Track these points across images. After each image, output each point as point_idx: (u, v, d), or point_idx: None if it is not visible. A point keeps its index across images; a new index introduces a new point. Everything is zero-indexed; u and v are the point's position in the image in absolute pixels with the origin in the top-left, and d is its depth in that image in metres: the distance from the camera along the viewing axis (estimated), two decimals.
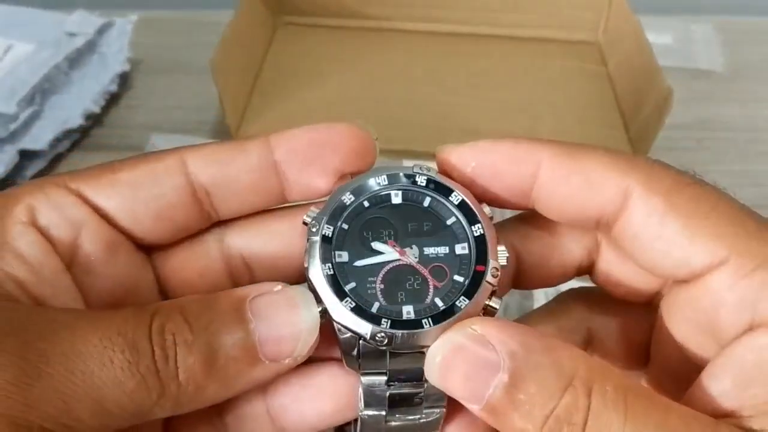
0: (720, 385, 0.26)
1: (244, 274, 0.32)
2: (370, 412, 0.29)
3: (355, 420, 0.30)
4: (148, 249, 0.31)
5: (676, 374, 0.29)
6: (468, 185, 0.30)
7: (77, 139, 0.66)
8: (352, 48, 0.77)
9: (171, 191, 0.29)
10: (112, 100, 0.70)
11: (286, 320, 0.26)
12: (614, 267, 0.32)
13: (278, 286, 0.27)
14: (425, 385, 0.28)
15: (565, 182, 0.28)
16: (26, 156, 0.62)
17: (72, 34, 0.71)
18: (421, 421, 0.29)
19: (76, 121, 0.65)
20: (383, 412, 0.29)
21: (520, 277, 0.32)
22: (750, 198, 0.28)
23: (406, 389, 0.28)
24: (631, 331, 0.33)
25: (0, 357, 0.22)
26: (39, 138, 0.63)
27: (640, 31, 0.68)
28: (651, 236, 0.27)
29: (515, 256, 0.32)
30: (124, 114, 0.70)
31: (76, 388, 0.23)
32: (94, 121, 0.68)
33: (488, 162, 0.29)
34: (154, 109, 0.71)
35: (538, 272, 0.32)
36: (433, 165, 0.31)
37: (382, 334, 0.27)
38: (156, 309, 0.25)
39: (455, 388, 0.26)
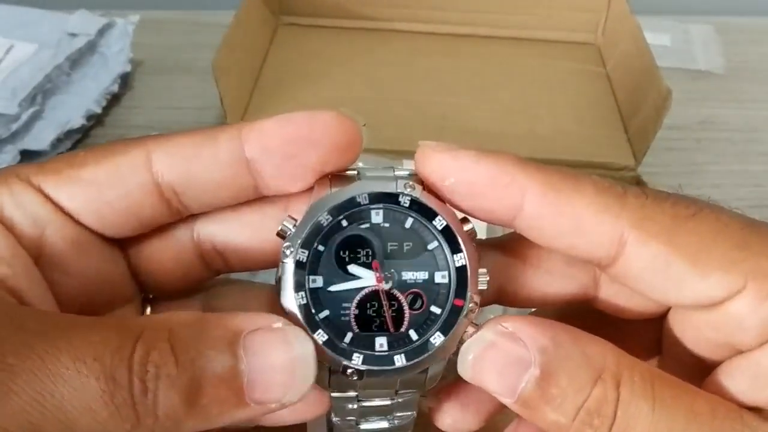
0: (737, 383, 0.26)
1: (216, 260, 0.31)
2: (341, 418, 0.29)
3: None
4: (119, 240, 0.30)
5: (688, 368, 0.29)
6: (442, 195, 0.28)
7: (78, 139, 0.67)
8: (353, 48, 0.77)
9: (136, 191, 0.28)
10: (114, 101, 0.70)
11: (279, 365, 0.24)
12: (619, 298, 0.31)
13: (277, 323, 0.25)
14: (395, 398, 0.28)
15: (552, 223, 0.27)
16: (28, 156, 0.62)
17: (73, 35, 0.71)
18: (393, 423, 0.30)
19: (78, 121, 0.65)
20: (354, 417, 0.29)
21: (502, 300, 0.31)
22: (748, 198, 0.28)
23: (377, 401, 0.28)
24: (640, 329, 0.32)
25: None
26: (40, 138, 0.63)
27: (639, 32, 0.68)
28: (659, 278, 0.26)
29: (498, 287, 0.30)
30: (125, 114, 0.71)
31: (44, 410, 0.22)
32: (95, 121, 0.68)
33: (468, 182, 0.27)
34: (155, 109, 0.71)
35: (524, 302, 0.31)
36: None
37: (353, 370, 0.26)
38: (141, 331, 0.23)
39: (488, 384, 0.26)
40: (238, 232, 0.30)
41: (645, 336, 0.32)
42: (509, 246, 0.31)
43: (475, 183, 0.27)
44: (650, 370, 0.26)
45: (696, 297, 0.26)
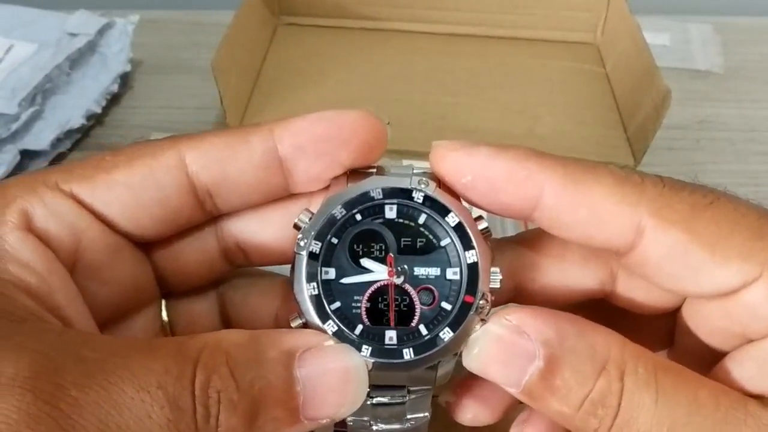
0: (745, 370, 0.27)
1: (238, 256, 0.31)
2: (355, 417, 0.29)
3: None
4: (145, 242, 0.30)
5: (699, 358, 0.29)
6: (460, 192, 0.28)
7: (78, 138, 0.67)
8: (352, 48, 0.77)
9: (172, 193, 0.28)
10: (113, 100, 0.70)
11: (333, 384, 0.25)
12: (635, 293, 0.31)
13: (329, 341, 0.26)
14: (408, 396, 0.28)
15: (571, 213, 0.27)
16: (28, 156, 0.63)
17: (73, 35, 0.71)
18: (407, 425, 0.30)
19: (78, 121, 0.65)
20: (367, 417, 0.29)
21: (519, 299, 0.31)
22: (747, 198, 0.28)
23: (388, 398, 0.28)
24: (652, 322, 0.33)
25: (35, 406, 0.21)
26: (40, 138, 0.63)
27: (638, 32, 0.68)
28: (677, 266, 0.26)
29: (515, 284, 0.31)
30: (125, 114, 0.71)
31: None
32: (95, 121, 0.68)
33: (486, 178, 0.27)
34: (155, 109, 0.71)
35: (541, 300, 0.31)
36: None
37: None
38: (199, 355, 0.23)
39: (494, 375, 0.26)
40: (263, 229, 0.31)
41: (657, 328, 0.32)
42: (526, 243, 0.31)
43: (493, 179, 0.27)
44: (654, 359, 0.26)
45: (713, 285, 0.26)
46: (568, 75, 0.75)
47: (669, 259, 0.26)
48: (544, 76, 0.75)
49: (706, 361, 0.29)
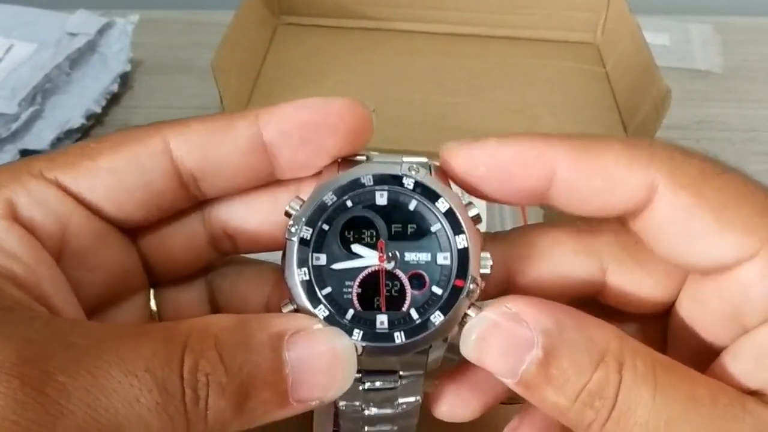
0: (741, 365, 0.27)
1: (225, 243, 0.31)
2: (347, 402, 0.29)
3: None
4: (131, 229, 0.30)
5: (695, 356, 0.29)
6: (476, 187, 0.29)
7: (78, 138, 0.67)
8: (352, 48, 0.77)
9: (157, 178, 0.28)
10: (113, 100, 0.71)
11: (322, 366, 0.25)
12: (626, 286, 0.31)
13: (318, 324, 0.26)
14: (399, 381, 0.28)
15: (586, 183, 0.27)
16: (28, 156, 0.62)
17: (73, 34, 0.71)
18: (399, 410, 0.30)
19: (78, 120, 0.66)
20: (358, 402, 0.29)
21: (509, 292, 0.31)
22: None
23: (380, 384, 0.28)
24: (644, 326, 0.33)
25: (22, 392, 0.21)
26: (40, 138, 0.63)
27: (638, 32, 0.68)
28: (679, 230, 0.27)
29: (505, 279, 0.31)
30: (125, 114, 0.71)
31: (99, 426, 0.21)
32: (95, 120, 0.68)
33: (499, 166, 0.28)
34: (155, 109, 0.71)
35: (532, 294, 0.31)
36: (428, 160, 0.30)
37: None
38: (186, 339, 0.23)
39: (490, 364, 0.26)
40: (250, 216, 0.31)
41: (649, 332, 0.32)
42: (516, 238, 0.31)
43: (505, 165, 0.28)
44: (652, 355, 0.26)
45: (711, 256, 0.26)
46: (568, 75, 0.75)
47: (674, 223, 0.27)
48: (544, 76, 0.75)
49: (701, 360, 0.29)
